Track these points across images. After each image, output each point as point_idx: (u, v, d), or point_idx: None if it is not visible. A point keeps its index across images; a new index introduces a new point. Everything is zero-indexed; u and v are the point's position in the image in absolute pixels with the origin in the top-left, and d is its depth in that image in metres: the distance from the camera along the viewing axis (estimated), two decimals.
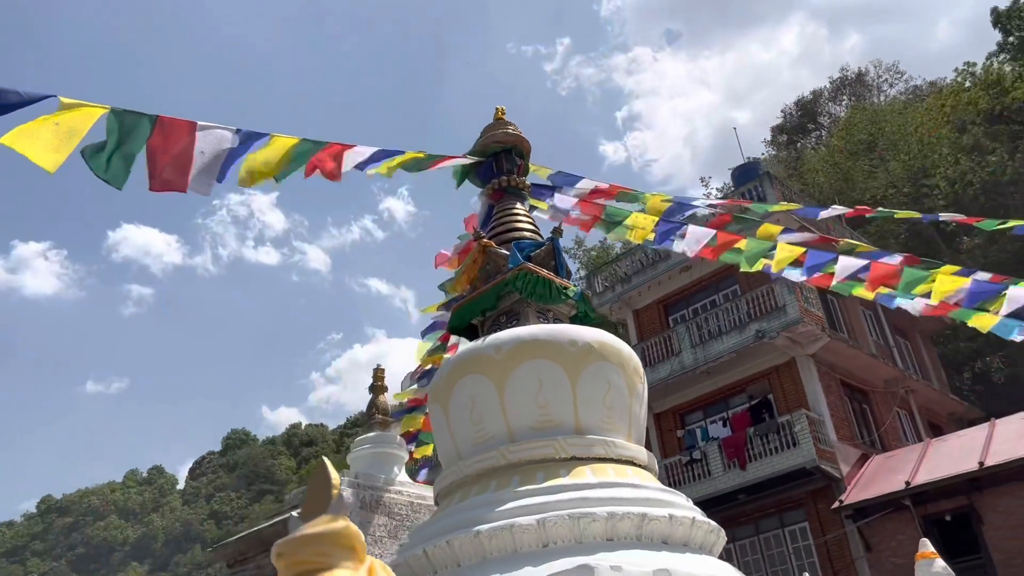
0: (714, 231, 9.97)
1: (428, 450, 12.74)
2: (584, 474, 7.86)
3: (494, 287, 9.32)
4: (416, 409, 12.93)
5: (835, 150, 38.21)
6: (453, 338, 12.92)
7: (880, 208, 13.21)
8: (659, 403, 22.93)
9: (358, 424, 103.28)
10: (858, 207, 13.52)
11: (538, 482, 7.77)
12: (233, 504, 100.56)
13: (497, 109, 11.13)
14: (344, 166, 8.34)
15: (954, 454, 18.98)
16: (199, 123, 6.77)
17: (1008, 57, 33.26)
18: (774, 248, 9.84)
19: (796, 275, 10.65)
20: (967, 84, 33.90)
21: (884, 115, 37.79)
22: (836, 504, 19.21)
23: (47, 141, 5.52)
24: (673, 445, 23.11)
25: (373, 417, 11.09)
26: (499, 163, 10.57)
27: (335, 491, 2.78)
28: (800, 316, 20.72)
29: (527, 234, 9.97)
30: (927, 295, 10.48)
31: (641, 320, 25.40)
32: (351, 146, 8.43)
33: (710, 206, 11.45)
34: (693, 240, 9.99)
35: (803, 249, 9.67)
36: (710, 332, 22.65)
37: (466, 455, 8.43)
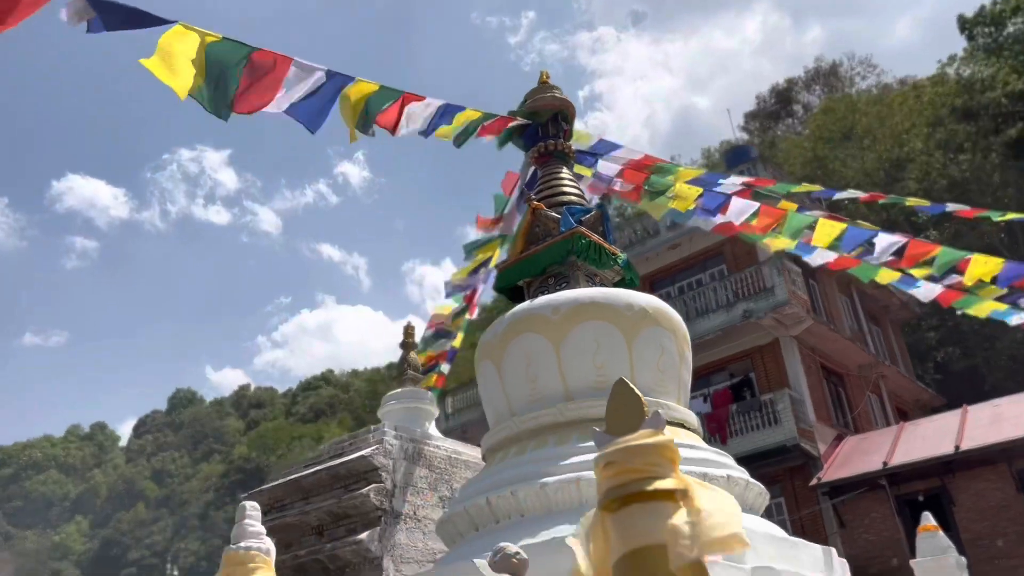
0: (757, 204, 10.18)
1: None
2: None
3: (546, 249, 9.41)
4: (433, 369, 13.01)
5: (810, 137, 38.88)
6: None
7: (891, 195, 13.54)
8: None
9: (309, 387, 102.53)
10: (872, 193, 13.91)
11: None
12: (178, 463, 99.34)
13: (542, 73, 11.17)
14: (410, 122, 8.33)
15: (928, 438, 19.72)
16: (294, 59, 6.72)
17: (975, 59, 34.04)
18: (811, 226, 10.08)
19: (825, 256, 10.95)
20: (944, 81, 34.84)
21: (860, 105, 38.54)
22: (814, 481, 19.83)
23: (180, 68, 5.45)
24: None
25: (404, 373, 11.13)
26: (545, 127, 10.61)
27: (646, 408, 2.87)
28: (788, 298, 21.21)
29: (574, 199, 10.06)
30: (932, 280, 10.90)
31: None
32: (421, 98, 8.40)
33: (744, 184, 11.64)
34: (736, 212, 10.18)
35: (844, 226, 9.94)
36: (696, 310, 23.03)
37: (520, 411, 8.55)
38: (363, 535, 8.68)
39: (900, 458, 19.19)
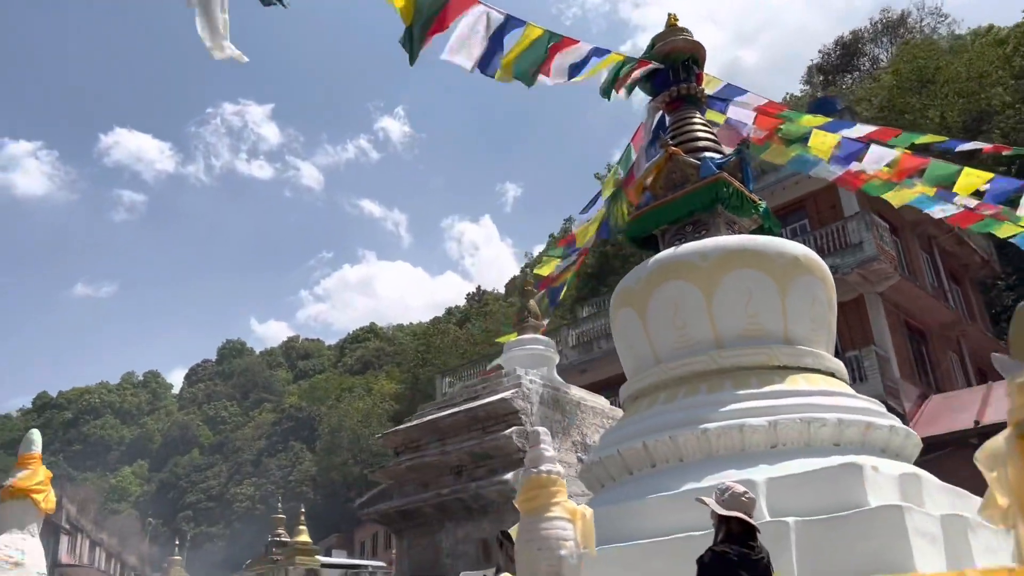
0: (896, 152, 9.93)
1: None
2: (798, 382, 8.00)
3: (688, 195, 9.29)
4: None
5: (886, 86, 37.65)
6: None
7: (1016, 147, 13.11)
8: None
9: (357, 339, 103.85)
10: (996, 144, 13.49)
11: (753, 387, 7.90)
12: (230, 411, 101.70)
13: (670, 15, 10.92)
14: (559, 69, 8.24)
15: None
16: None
17: None
18: (957, 172, 9.82)
19: (946, 209, 10.67)
20: None
21: (940, 51, 37.11)
22: None
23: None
24: None
25: (526, 320, 11.16)
26: (676, 71, 10.41)
27: None
28: (877, 253, 20.81)
29: (710, 144, 9.90)
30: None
31: None
32: (575, 41, 8.29)
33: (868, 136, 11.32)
34: (874, 160, 9.94)
35: (990, 176, 9.67)
36: None
37: (666, 359, 8.53)
38: (508, 475, 8.79)
39: (991, 417, 18.89)
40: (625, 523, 7.16)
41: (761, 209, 9.52)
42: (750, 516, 4.92)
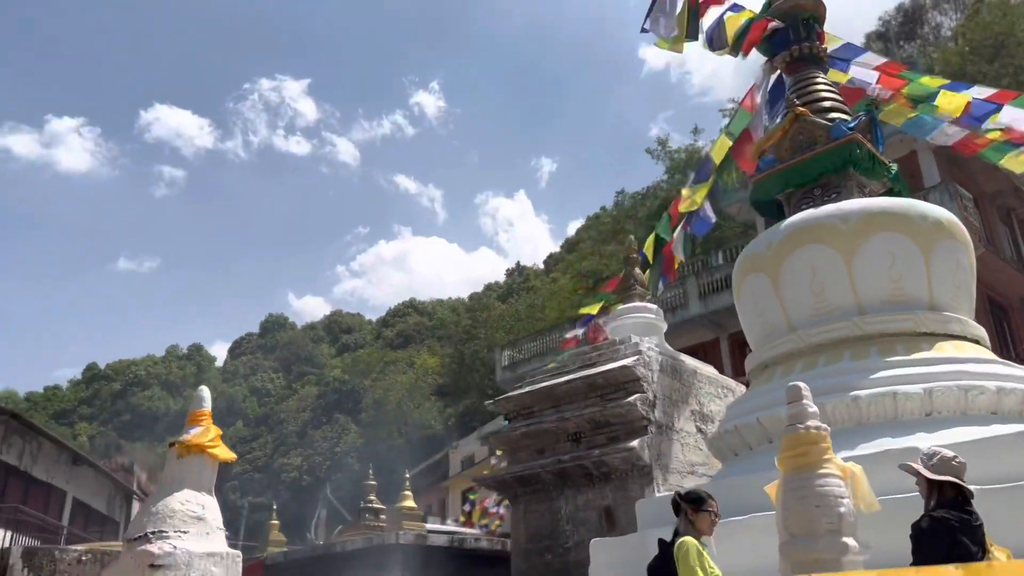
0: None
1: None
2: (947, 349, 7.72)
3: (819, 156, 8.98)
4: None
5: (956, 52, 36.48)
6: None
7: None
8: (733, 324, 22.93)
9: (398, 314, 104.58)
10: None
11: (900, 354, 7.64)
12: (275, 383, 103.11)
13: None
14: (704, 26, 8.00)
15: None
16: None
17: None
18: None
19: None
20: None
21: (1017, 14, 35.79)
22: None
23: None
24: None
25: (632, 288, 10.97)
26: (796, 30, 10.05)
27: None
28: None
29: (837, 104, 9.56)
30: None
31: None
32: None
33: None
34: (1007, 120, 9.54)
35: None
36: None
37: (801, 325, 8.28)
38: (634, 442, 8.64)
39: None
40: (754, 496, 6.97)
41: (892, 172, 9.18)
42: (962, 480, 4.71)
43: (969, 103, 9.71)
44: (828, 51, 10.28)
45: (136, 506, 26.28)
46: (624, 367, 8.97)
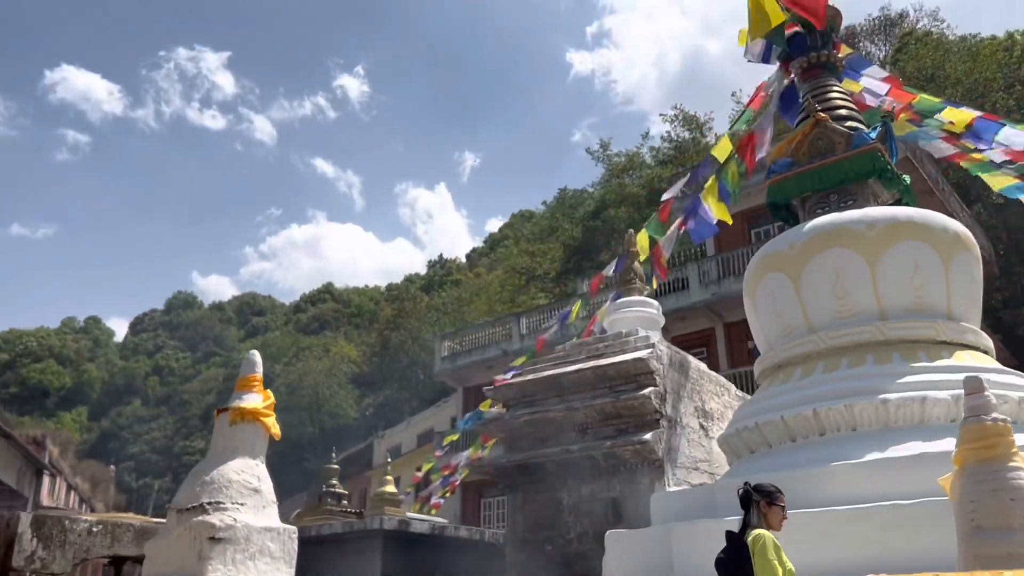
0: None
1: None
2: (965, 358, 7.94)
3: (841, 163, 9.11)
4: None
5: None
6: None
7: None
8: (731, 314, 23.33)
9: (312, 300, 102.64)
10: None
11: (923, 361, 7.81)
12: (181, 363, 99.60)
13: None
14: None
15: None
16: None
17: None
18: None
19: None
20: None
21: (945, 49, 37.52)
22: None
23: None
24: (742, 356, 23.62)
25: (632, 282, 10.90)
26: (813, 36, 10.19)
27: None
28: None
29: (854, 113, 9.73)
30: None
31: (721, 231, 25.43)
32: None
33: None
34: (1004, 139, 9.89)
35: None
36: (726, 270, 23.07)
37: (822, 327, 8.38)
38: (648, 435, 8.57)
39: None
40: (802, 490, 7.02)
41: (905, 184, 9.39)
42: None
43: (973, 120, 10.04)
44: (843, 60, 10.46)
45: (46, 482, 24.84)
46: (639, 359, 8.90)
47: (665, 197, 12.58)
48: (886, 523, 6.42)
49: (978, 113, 10.19)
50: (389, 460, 20.61)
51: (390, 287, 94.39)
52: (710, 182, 11.67)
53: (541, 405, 9.46)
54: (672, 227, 12.18)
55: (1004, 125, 9.98)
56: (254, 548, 5.69)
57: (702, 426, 9.55)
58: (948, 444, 7.02)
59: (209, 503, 5.81)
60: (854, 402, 7.50)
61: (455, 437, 19.10)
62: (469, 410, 29.50)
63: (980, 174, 11.25)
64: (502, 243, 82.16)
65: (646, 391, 8.75)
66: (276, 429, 6.52)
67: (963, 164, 11.02)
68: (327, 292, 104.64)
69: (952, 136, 10.55)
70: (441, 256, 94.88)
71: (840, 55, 10.39)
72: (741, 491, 5.62)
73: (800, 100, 10.17)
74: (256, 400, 6.44)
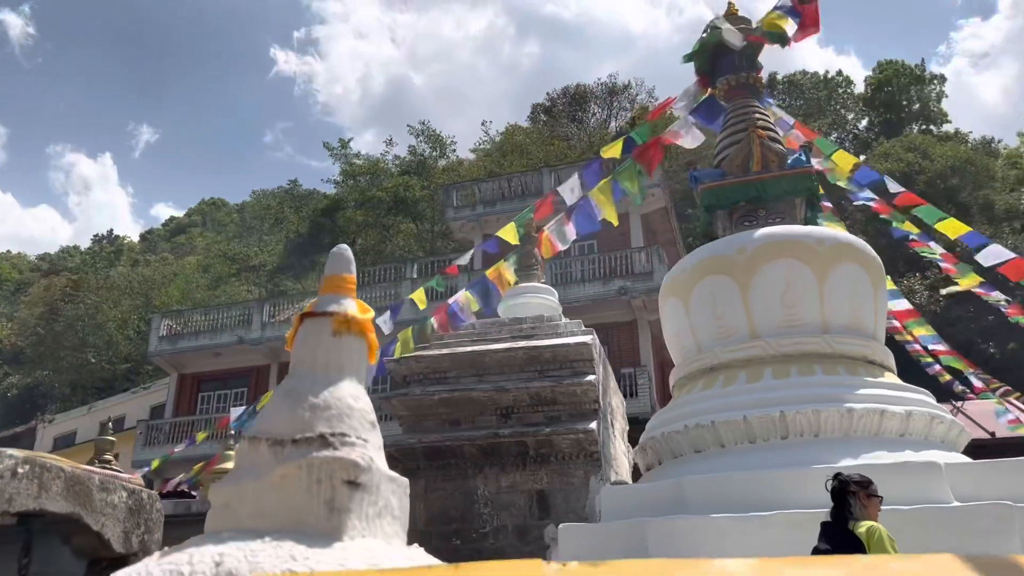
0: (902, 189, 11.01)
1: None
2: (893, 379, 8.44)
3: (783, 179, 9.35)
4: None
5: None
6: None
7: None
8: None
9: None
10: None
11: (863, 376, 8.19)
12: None
13: (730, 4, 11.02)
14: None
15: None
16: None
17: None
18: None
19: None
20: None
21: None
22: None
23: None
24: None
25: (533, 268, 10.18)
26: (741, 59, 10.51)
27: None
28: None
29: (776, 136, 10.10)
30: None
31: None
32: None
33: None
34: (884, 190, 10.89)
35: (967, 228, 11.08)
36: (563, 276, 23.71)
37: (767, 334, 8.43)
38: (592, 424, 7.93)
39: None
40: (773, 492, 6.92)
41: (821, 211, 9.91)
42: None
43: (857, 164, 10.94)
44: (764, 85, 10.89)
45: None
46: (583, 344, 8.26)
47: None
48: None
49: (861, 158, 11.13)
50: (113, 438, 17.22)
51: (45, 257, 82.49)
52: (602, 182, 11.47)
53: (457, 383, 8.39)
54: (553, 222, 11.77)
55: (882, 177, 10.99)
56: (381, 503, 4.11)
57: (612, 423, 9.12)
58: (906, 456, 7.36)
59: (332, 434, 4.10)
60: (821, 408, 7.56)
61: (204, 435, 16.78)
62: (184, 399, 26.28)
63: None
64: (187, 229, 75.89)
65: (590, 378, 8.14)
66: (377, 351, 4.93)
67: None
68: None
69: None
70: (111, 232, 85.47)
71: (762, 79, 10.80)
72: (833, 483, 5.32)
73: (728, 115, 10.35)
74: (360, 308, 4.80)
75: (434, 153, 45.19)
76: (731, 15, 10.84)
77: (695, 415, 8.12)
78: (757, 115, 10.17)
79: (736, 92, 10.45)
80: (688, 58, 10.62)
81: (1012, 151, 43.24)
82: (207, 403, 25.87)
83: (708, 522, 6.78)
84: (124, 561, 4.08)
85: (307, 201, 44.86)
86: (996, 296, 11.57)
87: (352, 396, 4.62)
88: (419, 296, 11.89)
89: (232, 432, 15.95)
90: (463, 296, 10.75)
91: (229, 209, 75.52)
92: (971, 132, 46.17)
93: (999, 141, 46.03)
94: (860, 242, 8.96)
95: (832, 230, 9.07)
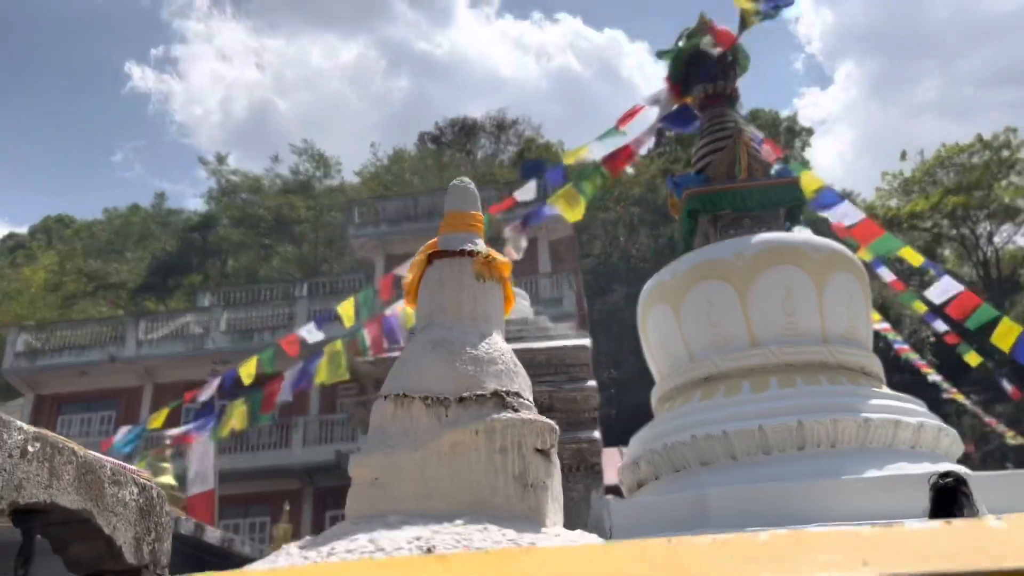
0: (863, 215, 11.03)
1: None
2: (886, 389, 8.25)
3: (771, 187, 9.14)
4: None
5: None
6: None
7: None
8: None
9: None
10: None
11: (864, 386, 7.98)
12: None
13: (701, 14, 10.86)
14: None
15: None
16: None
17: None
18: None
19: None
20: None
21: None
22: None
23: None
24: None
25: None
26: (717, 69, 10.33)
27: None
28: (574, 311, 22.35)
29: (755, 146, 9.92)
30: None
31: (391, 265, 24.47)
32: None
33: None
34: (841, 214, 10.87)
35: (921, 259, 11.25)
36: None
37: (766, 342, 8.10)
38: (596, 433, 7.26)
39: None
40: (806, 504, 6.49)
41: (800, 224, 9.77)
42: None
43: (823, 186, 10.91)
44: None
45: None
46: (580, 347, 7.60)
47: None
48: None
49: (826, 181, 11.10)
50: None
51: None
52: (564, 188, 11.01)
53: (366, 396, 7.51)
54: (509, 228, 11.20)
55: (844, 200, 10.98)
56: (555, 479, 3.25)
57: None
58: (928, 467, 7.08)
59: (508, 392, 3.19)
60: (839, 418, 7.22)
61: None
62: (41, 423, 23.48)
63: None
64: (26, 245, 70.40)
65: (590, 384, 7.48)
66: (512, 303, 4.01)
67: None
68: None
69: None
70: None
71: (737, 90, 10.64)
72: (945, 481, 4.85)
73: (707, 122, 10.09)
74: (492, 251, 3.92)
75: (318, 173, 43.66)
76: (706, 23, 10.65)
77: (701, 425, 7.60)
78: (740, 124, 9.98)
79: (712, 100, 10.24)
80: (662, 55, 10.35)
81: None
82: (68, 427, 23.23)
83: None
84: None
85: (171, 219, 42.19)
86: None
87: (510, 351, 3.79)
88: (346, 311, 10.92)
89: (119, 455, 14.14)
90: (400, 308, 9.89)
91: (78, 226, 70.53)
92: None
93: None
94: (851, 253, 8.83)
95: (825, 239, 8.86)
